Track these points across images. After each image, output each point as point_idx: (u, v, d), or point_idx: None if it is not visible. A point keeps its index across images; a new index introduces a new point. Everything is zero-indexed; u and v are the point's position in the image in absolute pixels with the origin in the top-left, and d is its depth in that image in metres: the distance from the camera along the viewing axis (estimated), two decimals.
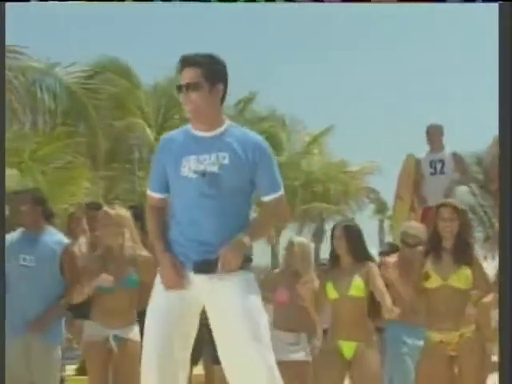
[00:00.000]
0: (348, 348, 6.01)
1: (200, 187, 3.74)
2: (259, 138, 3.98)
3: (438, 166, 10.02)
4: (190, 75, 3.78)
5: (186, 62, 3.83)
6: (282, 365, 6.02)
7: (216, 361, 6.65)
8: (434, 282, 5.85)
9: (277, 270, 7.83)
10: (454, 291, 5.83)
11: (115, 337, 6.11)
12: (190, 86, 3.77)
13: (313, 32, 55.26)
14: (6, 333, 5.82)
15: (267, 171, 3.91)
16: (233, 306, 3.74)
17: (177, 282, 3.76)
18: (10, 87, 15.29)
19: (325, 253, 10.40)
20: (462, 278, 5.83)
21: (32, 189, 9.45)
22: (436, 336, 5.81)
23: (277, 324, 6.86)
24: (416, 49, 60.11)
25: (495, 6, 5.29)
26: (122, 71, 25.14)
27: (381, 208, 36.49)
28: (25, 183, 17.56)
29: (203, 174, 3.74)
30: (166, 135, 4.20)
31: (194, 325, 3.94)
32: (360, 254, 6.16)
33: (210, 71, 3.82)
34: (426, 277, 5.88)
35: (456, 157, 10.17)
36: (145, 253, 6.20)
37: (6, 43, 15.68)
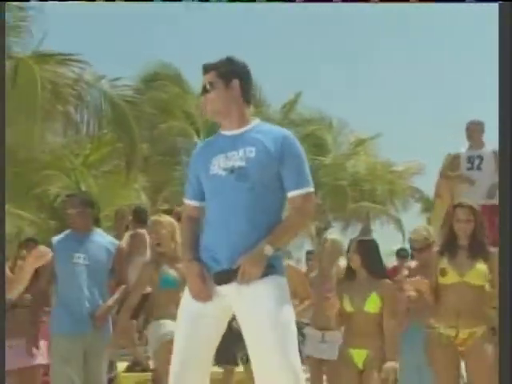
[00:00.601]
0: (358, 356, 6.04)
1: (229, 183, 3.68)
2: (287, 132, 3.91)
3: (476, 162, 9.69)
4: (206, 79, 3.82)
5: (204, 68, 3.86)
6: (311, 360, 6.99)
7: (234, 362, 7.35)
8: (450, 278, 5.78)
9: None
10: (470, 288, 5.76)
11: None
12: (206, 88, 3.80)
13: (356, 33, 54.63)
14: (54, 331, 6.35)
15: (294, 165, 3.78)
16: (261, 313, 3.63)
17: (201, 292, 3.70)
18: (66, 96, 14.95)
19: None
20: (477, 274, 5.76)
21: (82, 192, 9.16)
22: (447, 331, 5.73)
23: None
24: (453, 47, 59.28)
25: (495, 5, 5.12)
26: (173, 77, 25.61)
27: (427, 207, 36.25)
28: (78, 187, 17.88)
29: (232, 170, 3.69)
30: (201, 141, 3.99)
31: (221, 329, 3.88)
32: (374, 270, 6.19)
33: (225, 70, 3.83)
34: (443, 273, 5.82)
35: (496, 153, 9.32)
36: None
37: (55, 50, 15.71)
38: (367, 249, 6.23)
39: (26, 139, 13.97)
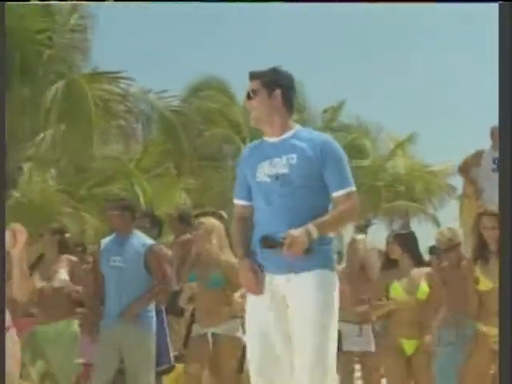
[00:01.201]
0: (409, 345, 6.06)
1: (275, 189, 3.69)
2: (326, 137, 3.96)
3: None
4: (251, 87, 3.82)
5: (250, 76, 3.87)
6: (348, 354, 6.70)
7: None
8: (484, 285, 5.71)
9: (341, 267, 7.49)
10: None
11: (212, 334, 6.29)
12: (250, 95, 3.80)
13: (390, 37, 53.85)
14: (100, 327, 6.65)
15: (335, 168, 3.76)
16: (306, 308, 3.64)
17: (254, 286, 3.72)
18: (116, 112, 15.23)
19: None
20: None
21: (121, 197, 9.38)
22: (483, 328, 5.71)
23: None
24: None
25: (495, 5, 4.86)
26: (220, 88, 25.53)
27: None
28: (133, 189, 18.12)
29: (276, 177, 3.69)
30: (246, 146, 4.23)
31: (287, 321, 3.75)
32: (417, 259, 6.22)
33: (268, 80, 3.83)
34: (477, 281, 5.75)
35: None
36: (229, 258, 6.29)
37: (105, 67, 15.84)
38: (407, 240, 6.26)
39: (85, 150, 14.04)
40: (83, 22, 14.23)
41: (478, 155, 9.74)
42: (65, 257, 7.17)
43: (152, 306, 6.75)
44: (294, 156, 3.69)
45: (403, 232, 6.70)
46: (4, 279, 3.89)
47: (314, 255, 3.63)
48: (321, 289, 3.66)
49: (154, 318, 6.82)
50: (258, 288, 3.70)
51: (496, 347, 5.44)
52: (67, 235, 7.69)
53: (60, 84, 13.45)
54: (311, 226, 3.53)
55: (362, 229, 28.57)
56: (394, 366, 6.13)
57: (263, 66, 3.98)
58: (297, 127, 3.88)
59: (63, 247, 7.29)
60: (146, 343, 6.63)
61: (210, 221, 6.63)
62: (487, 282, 5.64)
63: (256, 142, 4.04)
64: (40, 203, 14.68)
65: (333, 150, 3.77)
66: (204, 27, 49.94)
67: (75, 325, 7.13)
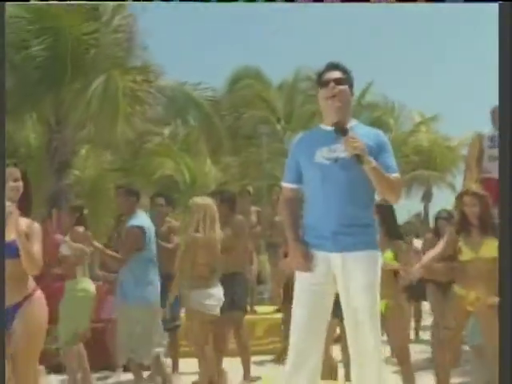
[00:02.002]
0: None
1: (334, 171, 3.63)
2: (379, 132, 3.93)
3: (497, 141, 9.28)
4: (336, 74, 3.72)
5: (335, 66, 3.77)
6: None
7: None
8: (466, 255, 5.64)
9: None
10: (485, 262, 5.54)
11: None
12: (339, 81, 3.68)
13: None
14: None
15: (388, 155, 3.76)
16: (355, 284, 3.66)
17: (305, 266, 3.68)
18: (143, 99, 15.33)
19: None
20: (490, 248, 5.49)
21: (126, 184, 9.60)
22: (461, 291, 5.64)
23: None
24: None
25: (495, 5, 4.40)
26: (256, 76, 25.50)
27: None
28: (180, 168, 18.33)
29: (336, 159, 3.63)
30: (299, 134, 4.15)
31: (331, 296, 3.81)
32: (390, 231, 6.11)
33: (348, 75, 3.80)
34: (460, 251, 5.67)
35: None
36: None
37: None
38: (385, 211, 6.08)
39: (112, 134, 14.28)
40: (125, 22, 14.23)
41: (479, 138, 9.64)
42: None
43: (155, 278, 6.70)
44: None
45: (383, 203, 6.55)
46: (4, 279, 3.57)
47: (364, 237, 3.69)
48: (371, 266, 3.68)
49: (157, 289, 6.72)
50: (309, 268, 3.66)
51: (470, 309, 5.57)
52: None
53: (100, 78, 13.58)
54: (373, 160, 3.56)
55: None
56: None
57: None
58: (354, 121, 3.83)
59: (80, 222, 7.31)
60: (152, 314, 6.54)
61: (204, 201, 6.45)
62: (469, 253, 5.59)
63: (311, 131, 4.03)
64: (96, 180, 14.88)
65: (386, 141, 3.80)
66: (239, 26, 50.20)
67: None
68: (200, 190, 16.82)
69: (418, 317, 11.23)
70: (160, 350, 6.65)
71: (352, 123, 3.73)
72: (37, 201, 14.40)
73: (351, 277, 3.63)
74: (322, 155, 3.67)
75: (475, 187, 6.15)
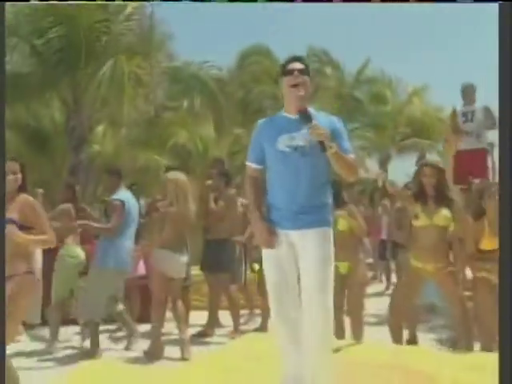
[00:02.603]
0: (343, 266, 6.14)
1: (293, 158, 3.65)
2: (334, 118, 3.89)
3: (469, 116, 9.53)
4: (299, 65, 3.71)
5: (298, 59, 3.78)
6: None
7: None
8: (422, 221, 5.63)
9: None
10: (437, 229, 5.60)
11: None
12: (302, 71, 3.67)
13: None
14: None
15: (342, 140, 3.77)
16: (312, 256, 3.69)
17: (269, 242, 3.72)
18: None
19: None
20: (443, 217, 5.58)
21: (110, 165, 9.72)
22: (417, 264, 5.63)
23: None
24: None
25: (495, 5, 4.15)
26: (265, 53, 25.10)
27: None
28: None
29: (295, 148, 3.64)
30: (262, 119, 4.00)
31: (295, 268, 3.83)
32: (337, 202, 6.02)
33: (308, 68, 3.78)
34: (416, 217, 5.67)
35: (486, 108, 9.51)
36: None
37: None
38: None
39: (119, 113, 14.51)
40: (137, 11, 14.23)
41: (454, 114, 9.78)
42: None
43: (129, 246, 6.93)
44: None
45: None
46: (4, 279, 3.53)
47: (319, 215, 3.72)
48: (326, 240, 3.72)
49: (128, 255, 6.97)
50: (273, 244, 3.71)
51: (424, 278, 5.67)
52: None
53: (109, 63, 13.67)
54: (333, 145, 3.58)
55: (383, 161, 28.48)
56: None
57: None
58: (311, 109, 3.78)
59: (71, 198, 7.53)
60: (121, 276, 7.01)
61: (176, 176, 6.58)
62: (425, 219, 5.59)
63: (274, 116, 3.96)
64: (114, 153, 15.02)
65: (340, 126, 3.82)
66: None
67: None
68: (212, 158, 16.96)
69: (388, 274, 11.65)
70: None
71: (310, 111, 3.70)
72: (60, 172, 14.60)
73: (308, 250, 3.68)
74: (284, 143, 3.68)
75: (434, 160, 6.18)
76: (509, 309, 2.93)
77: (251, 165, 3.90)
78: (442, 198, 5.67)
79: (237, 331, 7.40)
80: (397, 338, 5.75)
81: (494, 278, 5.28)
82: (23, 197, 4.44)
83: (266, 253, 3.83)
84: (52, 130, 15.26)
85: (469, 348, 5.48)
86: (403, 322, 5.90)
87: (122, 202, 6.76)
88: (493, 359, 4.38)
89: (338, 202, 6.05)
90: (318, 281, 3.66)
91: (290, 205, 3.69)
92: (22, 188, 4.50)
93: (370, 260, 12.25)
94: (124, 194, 6.99)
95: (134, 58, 14.09)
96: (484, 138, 9.49)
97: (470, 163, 9.32)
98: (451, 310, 5.78)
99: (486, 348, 5.42)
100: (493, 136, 9.54)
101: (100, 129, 14.67)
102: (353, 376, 4.11)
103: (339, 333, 6.09)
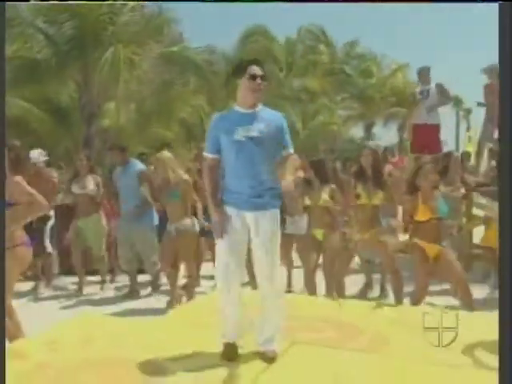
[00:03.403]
0: (319, 234, 6.19)
1: (248, 147, 3.62)
2: (279, 114, 3.82)
3: (425, 93, 9.47)
4: (261, 71, 3.64)
5: (257, 61, 3.72)
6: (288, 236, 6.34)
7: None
8: (362, 199, 5.73)
9: None
10: (373, 208, 5.75)
11: (176, 228, 6.35)
12: (263, 77, 3.63)
13: None
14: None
15: (284, 136, 3.78)
16: (263, 233, 3.72)
17: (220, 232, 3.73)
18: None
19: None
20: (378, 197, 5.69)
21: (117, 143, 9.13)
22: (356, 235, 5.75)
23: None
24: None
25: (495, 5, 3.83)
26: (263, 33, 24.85)
27: None
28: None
29: (251, 138, 3.61)
30: (218, 114, 3.95)
31: (246, 244, 3.84)
32: (322, 180, 6.24)
33: (265, 72, 3.72)
34: (358, 196, 5.75)
35: (438, 85, 9.50)
36: (185, 177, 6.47)
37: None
38: (318, 165, 6.27)
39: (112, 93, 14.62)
40: (140, 2, 14.17)
41: (414, 95, 9.76)
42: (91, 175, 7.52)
43: (152, 209, 7.22)
44: (263, 125, 3.65)
45: (315, 159, 6.53)
46: (4, 278, 3.31)
47: (269, 199, 3.72)
48: (275, 221, 3.75)
49: (155, 217, 7.34)
50: (222, 235, 3.72)
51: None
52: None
53: (110, 50, 13.72)
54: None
55: (369, 127, 28.45)
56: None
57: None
58: (261, 106, 3.76)
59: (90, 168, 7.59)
60: (149, 235, 7.20)
61: (166, 155, 6.58)
62: (365, 198, 5.67)
63: (227, 111, 3.87)
64: (124, 126, 15.10)
65: (284, 122, 3.80)
66: None
67: (101, 217, 7.57)
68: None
69: None
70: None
71: (259, 107, 3.68)
72: (78, 142, 14.67)
73: (260, 229, 3.71)
74: (240, 133, 3.65)
75: (372, 144, 6.24)
76: (509, 309, 2.71)
77: (208, 155, 3.83)
78: (377, 180, 5.73)
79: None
80: (330, 292, 5.99)
81: (425, 243, 5.38)
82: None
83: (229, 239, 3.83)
84: (70, 105, 15.34)
85: (398, 301, 5.66)
86: (335, 278, 6.02)
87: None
88: (418, 314, 4.46)
89: (322, 179, 6.16)
90: (269, 252, 3.73)
91: (246, 189, 3.70)
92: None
93: None
94: (140, 164, 7.53)
95: (129, 46, 14.08)
96: (437, 115, 9.45)
97: (425, 136, 9.33)
98: (383, 267, 6.06)
99: (414, 303, 5.52)
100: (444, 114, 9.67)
101: (108, 105, 14.63)
102: (289, 327, 4.14)
103: (311, 289, 6.24)
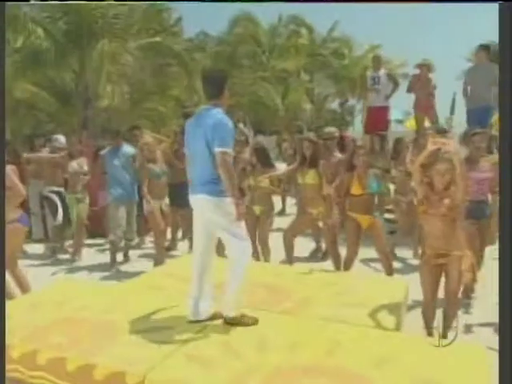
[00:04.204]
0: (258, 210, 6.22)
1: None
2: (216, 112, 3.60)
3: (376, 79, 9.47)
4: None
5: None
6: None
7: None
8: (300, 180, 5.92)
9: None
10: (309, 185, 5.84)
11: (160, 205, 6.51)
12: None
13: None
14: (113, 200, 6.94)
15: (220, 132, 3.54)
16: (215, 215, 3.67)
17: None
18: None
19: None
20: (311, 176, 5.79)
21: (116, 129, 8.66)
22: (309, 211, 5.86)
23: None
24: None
25: (495, 6, 3.59)
26: (249, 18, 24.45)
27: None
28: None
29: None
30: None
31: (207, 227, 3.79)
32: (265, 165, 6.21)
33: None
34: (296, 179, 5.98)
35: (388, 74, 9.59)
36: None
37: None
38: (259, 152, 6.24)
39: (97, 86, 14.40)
40: None
41: (364, 79, 9.82)
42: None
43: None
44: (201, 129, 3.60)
45: (257, 147, 6.41)
46: (4, 278, 3.15)
47: (214, 187, 3.62)
48: (223, 204, 3.60)
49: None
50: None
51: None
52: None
53: (101, 42, 13.68)
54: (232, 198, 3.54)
55: (342, 104, 28.14)
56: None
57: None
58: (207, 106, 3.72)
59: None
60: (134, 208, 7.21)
61: (149, 139, 6.76)
62: (300, 179, 5.88)
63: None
64: (119, 105, 15.02)
65: (220, 119, 3.60)
66: None
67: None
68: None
69: None
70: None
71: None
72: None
73: (209, 212, 3.69)
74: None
75: (311, 135, 6.30)
76: (509, 309, 2.51)
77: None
78: (313, 163, 5.81)
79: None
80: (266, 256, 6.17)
81: (357, 215, 5.50)
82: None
83: (194, 216, 3.87)
84: (74, 88, 15.26)
85: (336, 267, 5.85)
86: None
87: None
88: (348, 278, 4.68)
89: (266, 166, 6.17)
90: (225, 227, 3.67)
91: (198, 179, 3.71)
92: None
93: None
94: (130, 147, 7.27)
95: (113, 41, 13.98)
96: (386, 98, 9.43)
97: (376, 117, 9.41)
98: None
99: (346, 268, 5.68)
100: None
101: (101, 89, 14.52)
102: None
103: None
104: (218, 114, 3.58)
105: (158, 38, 14.50)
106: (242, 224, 3.72)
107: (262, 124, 20.86)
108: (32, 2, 13.41)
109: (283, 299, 4.33)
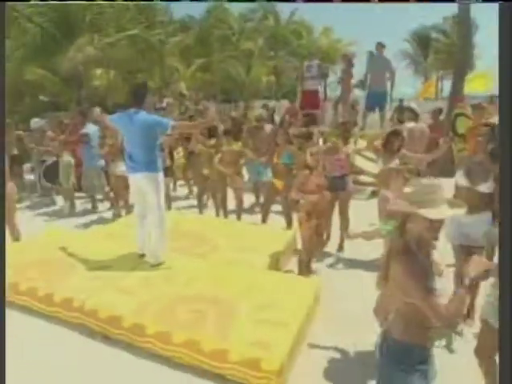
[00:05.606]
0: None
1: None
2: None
3: (310, 68, 9.44)
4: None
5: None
6: None
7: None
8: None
9: None
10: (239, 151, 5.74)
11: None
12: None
13: None
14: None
15: (157, 119, 3.88)
16: (149, 188, 3.87)
17: None
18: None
19: None
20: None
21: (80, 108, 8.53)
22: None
23: None
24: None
25: (495, 6, 2.99)
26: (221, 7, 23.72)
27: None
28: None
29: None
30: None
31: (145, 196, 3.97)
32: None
33: None
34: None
35: (319, 64, 9.50)
36: None
37: None
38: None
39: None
40: None
41: (301, 69, 9.71)
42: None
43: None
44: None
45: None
46: (4, 277, 3.16)
47: (154, 165, 3.82)
48: (158, 180, 3.87)
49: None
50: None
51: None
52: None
53: (87, 35, 13.42)
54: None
55: (297, 77, 27.47)
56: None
57: None
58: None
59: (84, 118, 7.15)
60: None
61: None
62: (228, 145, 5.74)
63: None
64: (109, 84, 14.83)
65: (152, 120, 3.87)
66: None
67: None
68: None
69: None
70: None
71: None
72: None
73: (147, 186, 3.90)
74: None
75: (235, 114, 6.18)
76: (509, 309, 1.99)
77: None
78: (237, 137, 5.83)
79: None
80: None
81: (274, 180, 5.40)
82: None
83: (131, 188, 4.08)
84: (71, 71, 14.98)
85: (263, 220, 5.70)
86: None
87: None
88: (262, 231, 4.64)
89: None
90: (156, 202, 3.93)
91: (135, 158, 3.87)
92: None
93: None
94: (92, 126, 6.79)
95: (100, 33, 13.67)
96: (318, 83, 9.45)
97: (309, 99, 9.40)
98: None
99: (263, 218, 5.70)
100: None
101: (91, 73, 14.31)
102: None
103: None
104: (145, 113, 3.86)
105: (136, 30, 14.20)
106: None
107: (231, 95, 20.97)
108: (32, 2, 12.62)
109: (201, 244, 4.44)
